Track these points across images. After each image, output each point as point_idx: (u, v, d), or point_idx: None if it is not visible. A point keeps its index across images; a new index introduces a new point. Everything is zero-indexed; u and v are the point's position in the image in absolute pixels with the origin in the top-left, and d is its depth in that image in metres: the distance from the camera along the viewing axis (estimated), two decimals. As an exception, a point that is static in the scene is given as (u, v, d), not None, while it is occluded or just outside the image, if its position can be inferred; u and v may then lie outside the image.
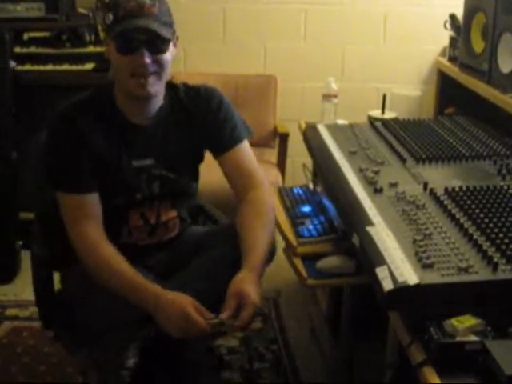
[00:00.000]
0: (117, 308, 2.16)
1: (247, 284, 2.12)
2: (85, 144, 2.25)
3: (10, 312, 3.56)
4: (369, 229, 2.02)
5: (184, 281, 2.27)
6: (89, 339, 2.27)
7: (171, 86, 2.39)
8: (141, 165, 2.34)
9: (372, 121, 3.20)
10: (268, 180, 2.49)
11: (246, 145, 2.45)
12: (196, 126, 2.40)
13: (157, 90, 2.25)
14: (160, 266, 2.46)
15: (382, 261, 1.84)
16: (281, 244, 2.65)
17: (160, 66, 2.20)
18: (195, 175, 2.52)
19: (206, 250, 2.37)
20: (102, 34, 4.01)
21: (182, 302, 2.08)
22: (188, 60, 4.55)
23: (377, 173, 2.45)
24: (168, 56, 2.23)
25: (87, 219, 2.25)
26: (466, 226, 1.98)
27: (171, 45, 2.25)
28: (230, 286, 2.13)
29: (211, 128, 2.41)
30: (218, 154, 2.43)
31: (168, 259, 2.49)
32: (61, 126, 2.28)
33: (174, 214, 2.49)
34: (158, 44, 2.18)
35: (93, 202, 2.27)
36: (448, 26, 3.87)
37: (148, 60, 2.16)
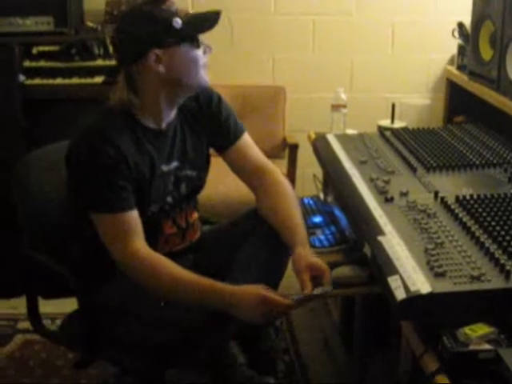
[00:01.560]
0: (178, 315, 2.19)
1: (310, 257, 2.22)
2: (124, 161, 2.22)
3: (21, 325, 3.56)
4: (380, 238, 2.02)
5: (238, 276, 2.29)
6: (162, 355, 2.24)
7: None
8: (168, 169, 2.37)
9: (382, 130, 3.20)
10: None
11: (247, 136, 2.54)
12: (202, 125, 2.47)
13: None
14: (194, 267, 2.45)
15: (394, 270, 1.84)
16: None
17: None
18: (207, 170, 2.56)
19: (239, 242, 2.40)
20: (111, 47, 4.03)
21: (253, 288, 2.12)
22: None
23: (387, 182, 2.44)
24: None
25: (132, 236, 2.23)
26: (477, 234, 1.97)
27: None
28: (295, 264, 2.21)
29: (216, 124, 2.48)
30: (224, 148, 2.50)
31: (194, 260, 2.52)
32: (99, 143, 2.22)
33: (196, 214, 2.55)
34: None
35: (134, 217, 2.25)
36: (456, 34, 3.87)
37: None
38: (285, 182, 2.47)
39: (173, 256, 2.37)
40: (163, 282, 2.19)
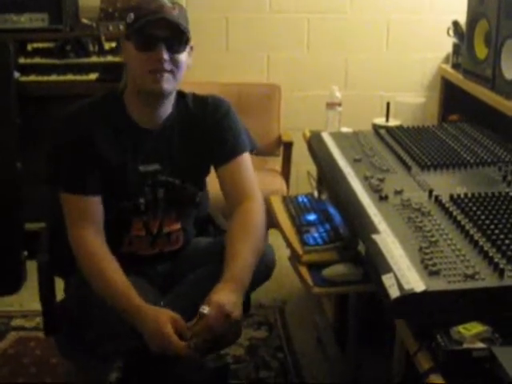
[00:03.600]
0: (109, 318, 2.17)
1: (217, 291, 2.13)
2: (92, 145, 2.26)
3: (15, 322, 3.56)
4: (374, 236, 2.02)
5: (175, 297, 2.30)
6: (82, 347, 2.28)
7: (180, 95, 2.42)
8: (147, 170, 2.36)
9: (376, 128, 3.20)
10: (262, 198, 2.47)
11: (245, 158, 2.46)
12: (202, 136, 2.43)
13: (170, 88, 2.28)
14: (160, 277, 2.46)
15: (388, 268, 1.84)
16: (286, 252, 2.65)
17: (176, 65, 2.25)
18: (200, 186, 2.52)
19: (198, 265, 2.38)
20: (106, 44, 4.03)
21: (161, 318, 2.08)
22: (191, 69, 4.54)
23: (382, 180, 2.45)
24: (184, 57, 2.28)
25: (88, 222, 2.26)
26: (471, 232, 1.98)
27: (187, 49, 2.30)
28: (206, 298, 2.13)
29: (215, 137, 2.43)
30: (218, 165, 2.45)
31: (169, 271, 2.50)
32: (69, 126, 2.30)
33: (177, 226, 2.49)
34: (175, 42, 2.23)
35: (95, 205, 2.28)
36: (451, 32, 3.87)
37: (166, 56, 2.21)
38: (256, 215, 2.38)
39: (140, 260, 2.38)
40: (95, 277, 2.21)
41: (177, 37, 2.23)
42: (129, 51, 2.26)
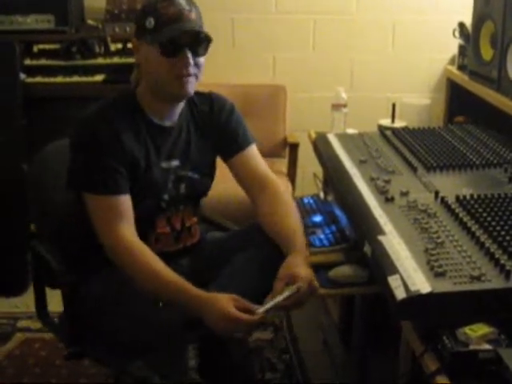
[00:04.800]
0: (159, 314, 2.18)
1: (296, 266, 2.17)
2: (119, 145, 2.26)
3: (21, 324, 3.57)
4: (380, 238, 2.02)
5: (222, 285, 2.26)
6: (136, 351, 2.23)
7: None
8: (169, 166, 2.38)
9: (382, 130, 3.20)
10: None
11: (255, 148, 2.53)
12: (211, 131, 2.47)
13: (193, 90, 2.33)
14: (185, 271, 2.46)
15: (394, 270, 1.84)
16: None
17: (198, 68, 2.30)
18: (213, 178, 2.56)
19: (236, 251, 2.38)
20: (111, 46, 4.03)
21: (222, 300, 2.09)
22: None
23: (388, 182, 2.44)
24: (204, 59, 2.32)
25: (122, 220, 2.24)
26: (477, 234, 1.97)
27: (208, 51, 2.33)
28: (279, 271, 2.17)
29: (225, 131, 2.49)
30: (230, 156, 2.49)
31: (191, 265, 2.51)
32: (92, 127, 2.27)
33: (195, 219, 2.53)
34: (200, 46, 2.28)
35: (126, 203, 2.27)
36: (457, 34, 3.87)
37: (191, 61, 2.25)
38: (285, 193, 2.47)
39: (165, 257, 2.38)
40: (142, 273, 2.19)
41: (200, 42, 2.28)
42: (149, 54, 2.27)
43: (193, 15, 2.27)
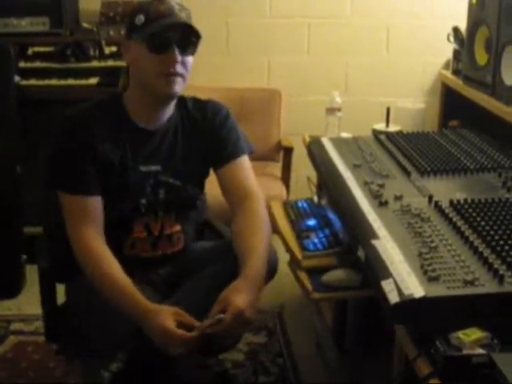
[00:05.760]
0: (114, 319, 2.16)
1: (236, 292, 2.10)
2: (92, 146, 2.27)
3: (14, 326, 3.56)
4: (374, 242, 2.02)
5: (179, 298, 2.28)
6: (87, 350, 2.28)
7: (180, 98, 2.43)
8: (148, 170, 2.37)
9: (376, 134, 3.21)
10: (264, 197, 2.47)
11: (245, 159, 2.48)
12: (201, 138, 2.45)
13: (180, 90, 2.31)
14: (162, 280, 2.46)
15: (387, 274, 1.84)
16: (285, 257, 2.65)
17: (185, 68, 2.29)
18: (201, 188, 2.54)
19: (204, 266, 2.37)
20: (106, 49, 4.03)
21: (162, 313, 2.07)
22: (192, 74, 4.51)
23: (382, 186, 2.45)
24: (191, 60, 2.32)
25: (87, 222, 2.26)
26: (471, 238, 1.98)
27: (196, 51, 2.33)
28: (221, 294, 2.12)
29: (215, 140, 2.45)
30: (218, 166, 2.46)
31: (171, 274, 2.49)
32: (70, 127, 2.31)
33: (177, 228, 2.50)
34: (188, 44, 2.28)
35: (95, 205, 2.28)
36: (451, 38, 3.87)
37: (179, 58, 2.25)
38: (261, 214, 2.39)
39: (143, 264, 2.38)
40: (96, 275, 2.21)
41: (188, 39, 2.28)
42: (137, 53, 2.28)
43: (183, 14, 2.27)
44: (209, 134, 2.45)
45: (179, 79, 2.27)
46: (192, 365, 2.31)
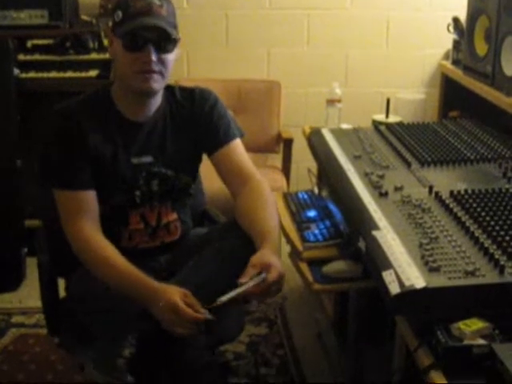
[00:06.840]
0: (117, 305, 2.17)
1: (270, 256, 2.12)
2: (82, 141, 2.27)
3: (15, 319, 3.56)
4: (375, 233, 2.02)
5: (184, 276, 2.27)
6: (89, 339, 2.28)
7: (167, 87, 2.42)
8: (140, 162, 2.37)
9: (376, 125, 3.20)
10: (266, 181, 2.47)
11: (238, 143, 2.48)
12: (192, 126, 2.44)
13: (159, 87, 2.30)
14: (163, 268, 2.46)
15: (388, 265, 1.84)
16: (286, 249, 2.64)
17: (164, 65, 2.25)
18: (194, 176, 2.53)
19: (206, 247, 2.36)
20: (105, 41, 4.03)
21: (171, 292, 2.08)
22: (191, 66, 4.56)
23: (382, 177, 2.44)
24: (172, 57, 2.28)
25: (82, 215, 2.26)
26: (472, 229, 1.97)
27: (175, 49, 2.29)
28: (251, 259, 2.12)
29: (206, 126, 2.44)
30: (212, 151, 2.45)
31: (171, 262, 2.50)
32: (60, 122, 2.32)
33: (174, 216, 2.50)
34: (164, 43, 2.23)
35: (88, 199, 2.29)
36: (451, 29, 3.87)
37: (154, 58, 2.21)
38: (266, 189, 2.40)
39: (142, 254, 2.38)
40: (99, 266, 2.22)
41: (165, 38, 2.23)
42: (116, 48, 2.26)
43: (163, 11, 2.22)
44: (199, 121, 2.44)
45: (156, 76, 2.24)
46: (199, 347, 2.31)
